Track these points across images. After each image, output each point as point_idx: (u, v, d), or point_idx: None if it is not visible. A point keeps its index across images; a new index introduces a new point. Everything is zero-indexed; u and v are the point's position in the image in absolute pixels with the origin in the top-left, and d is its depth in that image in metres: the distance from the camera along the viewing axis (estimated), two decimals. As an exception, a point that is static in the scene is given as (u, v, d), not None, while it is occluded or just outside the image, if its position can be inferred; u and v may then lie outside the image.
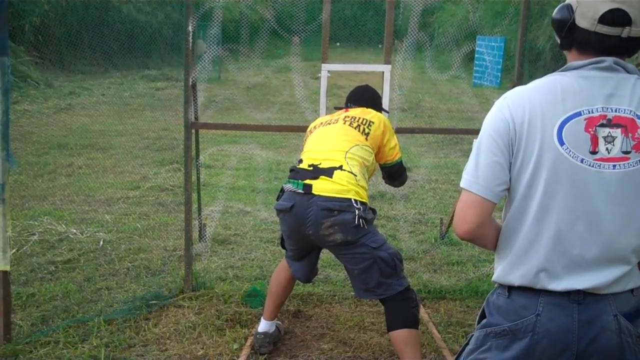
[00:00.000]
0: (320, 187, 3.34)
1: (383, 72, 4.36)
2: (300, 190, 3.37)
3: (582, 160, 1.84)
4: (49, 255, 5.28)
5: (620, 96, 1.85)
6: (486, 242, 2.04)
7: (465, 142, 10.22)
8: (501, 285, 2.02)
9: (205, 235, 5.14)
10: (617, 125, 1.84)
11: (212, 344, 3.89)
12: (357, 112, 3.76)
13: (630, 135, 1.83)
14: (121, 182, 7.93)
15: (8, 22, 3.71)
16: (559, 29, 1.96)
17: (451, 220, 5.44)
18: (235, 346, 3.86)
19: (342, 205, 3.29)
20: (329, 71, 4.36)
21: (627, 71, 1.88)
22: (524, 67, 4.52)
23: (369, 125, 3.63)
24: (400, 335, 3.34)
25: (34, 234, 5.76)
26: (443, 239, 5.85)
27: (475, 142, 1.97)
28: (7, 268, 3.77)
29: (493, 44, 21.03)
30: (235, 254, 5.50)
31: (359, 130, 3.60)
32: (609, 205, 1.85)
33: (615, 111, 1.85)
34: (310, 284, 4.68)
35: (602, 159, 1.84)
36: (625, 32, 1.84)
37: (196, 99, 4.46)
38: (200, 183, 4.94)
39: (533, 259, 1.91)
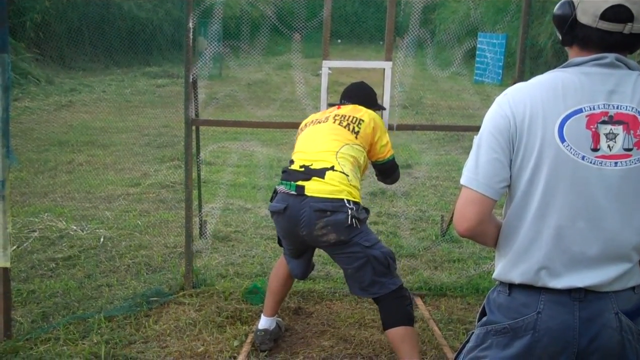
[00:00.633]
0: (313, 188, 3.34)
1: (384, 69, 4.35)
2: (293, 192, 3.37)
3: (583, 158, 1.83)
4: (50, 252, 5.28)
5: (622, 93, 1.85)
6: (486, 240, 2.03)
7: (467, 139, 10.21)
8: (502, 283, 2.02)
9: (205, 232, 5.14)
10: (618, 122, 1.83)
11: (213, 340, 3.89)
12: (348, 109, 3.75)
13: (632, 132, 1.82)
14: (122, 179, 7.93)
15: (9, 18, 3.71)
16: (561, 25, 1.95)
17: (452, 217, 5.43)
18: (236, 343, 3.86)
19: (334, 205, 3.29)
20: (330, 68, 4.35)
21: (629, 67, 1.88)
22: (525, 64, 4.51)
23: (359, 123, 3.62)
24: (397, 332, 3.35)
25: (34, 231, 5.76)
26: (444, 236, 5.85)
27: (476, 139, 1.97)
28: (8, 265, 3.77)
29: (494, 40, 21.01)
30: (235, 251, 5.50)
31: (348, 129, 3.59)
32: (610, 202, 1.84)
33: (617, 108, 1.84)
34: (311, 281, 4.69)
35: (603, 156, 1.83)
36: (627, 28, 1.83)
37: (197, 95, 4.45)
38: (200, 180, 4.93)
39: (534, 257, 1.91)
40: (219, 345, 3.83)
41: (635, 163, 1.82)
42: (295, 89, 5.15)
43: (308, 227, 3.32)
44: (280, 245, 3.82)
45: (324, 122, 3.69)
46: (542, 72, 1.97)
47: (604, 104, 1.84)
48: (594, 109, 1.84)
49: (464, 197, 1.96)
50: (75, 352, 3.69)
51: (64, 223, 5.99)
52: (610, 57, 1.86)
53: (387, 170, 3.90)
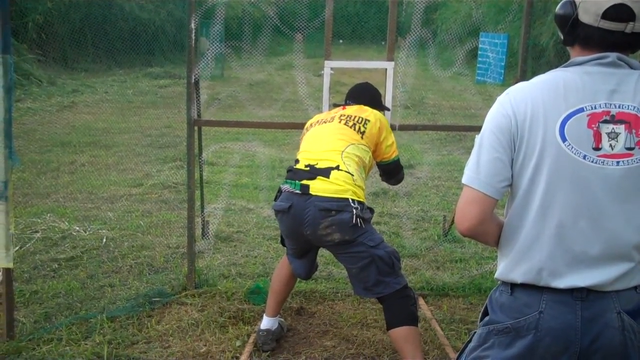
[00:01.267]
0: (318, 187, 3.34)
1: (386, 69, 4.35)
2: (298, 191, 3.37)
3: (584, 157, 1.83)
4: (52, 253, 5.29)
5: (624, 92, 1.85)
6: (488, 239, 2.03)
7: (469, 139, 10.20)
8: (504, 283, 2.02)
9: (208, 233, 5.14)
10: (620, 122, 1.83)
11: (215, 341, 3.89)
12: (354, 110, 3.75)
13: (634, 131, 1.82)
14: (124, 180, 7.93)
15: (11, 19, 3.71)
16: (562, 24, 1.95)
17: (454, 217, 5.43)
18: (238, 343, 3.86)
19: (339, 205, 3.29)
20: (331, 68, 4.35)
21: (631, 67, 1.88)
22: (527, 63, 4.50)
23: (365, 123, 3.63)
24: (401, 332, 3.34)
25: (37, 232, 5.77)
26: (446, 236, 5.84)
27: (477, 138, 1.97)
28: (10, 265, 3.77)
29: (496, 40, 21.00)
30: (238, 251, 5.50)
31: (354, 129, 3.59)
32: (611, 201, 1.84)
33: (619, 107, 1.84)
34: (313, 281, 4.69)
35: (605, 155, 1.83)
36: (628, 27, 1.83)
37: (199, 96, 4.46)
38: (203, 180, 4.93)
39: (536, 256, 1.91)
40: (222, 346, 3.83)
41: (637, 162, 1.82)
42: (297, 89, 5.15)
43: (312, 227, 3.32)
44: (283, 245, 3.82)
45: (329, 122, 3.69)
46: (544, 72, 1.97)
47: (605, 104, 1.84)
48: (595, 108, 1.84)
49: (465, 196, 1.96)
50: (77, 353, 3.70)
51: (67, 224, 5.99)
52: (612, 56, 1.86)
53: (391, 171, 3.90)
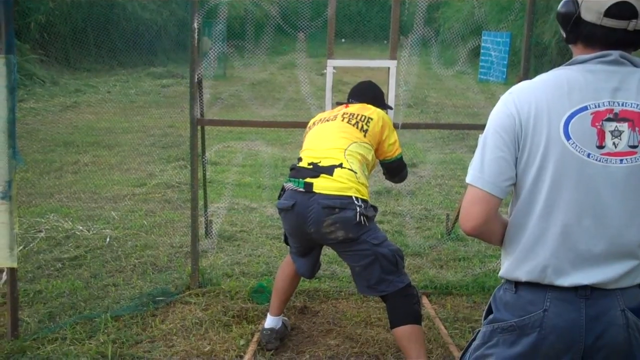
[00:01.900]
0: (321, 185, 3.34)
1: (389, 68, 4.35)
2: (301, 189, 3.37)
3: (588, 155, 1.83)
4: (56, 252, 5.30)
5: (627, 90, 1.84)
6: (492, 238, 2.04)
7: (471, 138, 10.20)
8: (508, 281, 2.02)
9: (211, 232, 5.15)
10: (624, 120, 1.83)
11: (219, 340, 3.90)
12: (356, 108, 3.75)
13: (637, 129, 1.82)
14: (127, 179, 7.94)
15: (14, 20, 3.72)
16: (564, 22, 1.95)
17: (457, 216, 5.43)
18: (242, 342, 3.86)
19: (343, 202, 3.29)
20: (334, 67, 4.35)
21: (634, 64, 1.87)
22: (529, 62, 4.50)
23: (368, 121, 3.63)
24: (404, 331, 3.34)
25: (40, 231, 5.77)
26: (449, 234, 5.85)
27: (481, 137, 1.97)
28: (14, 265, 3.78)
29: (499, 39, 20.97)
30: (241, 250, 5.51)
31: (357, 127, 3.59)
32: (615, 199, 1.84)
33: (622, 105, 1.84)
34: (317, 280, 4.69)
35: (609, 154, 1.83)
36: (631, 25, 1.82)
37: (202, 95, 4.46)
38: (206, 180, 4.94)
39: (540, 255, 1.91)
40: (225, 345, 3.83)
41: (641, 160, 1.82)
42: (300, 88, 5.16)
43: (316, 224, 3.32)
44: (287, 243, 3.82)
45: (332, 120, 3.69)
46: (546, 71, 1.97)
47: (608, 102, 1.84)
48: (598, 106, 1.84)
49: (469, 195, 1.96)
50: (82, 352, 3.70)
51: (70, 223, 6.00)
52: (615, 54, 1.86)
53: (395, 169, 3.90)
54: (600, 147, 1.83)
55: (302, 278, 3.97)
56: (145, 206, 6.80)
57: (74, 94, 15.22)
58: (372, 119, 3.65)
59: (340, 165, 3.40)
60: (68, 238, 5.67)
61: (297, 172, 3.49)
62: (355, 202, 3.31)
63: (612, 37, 1.87)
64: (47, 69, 16.97)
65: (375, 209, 3.52)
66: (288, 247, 3.85)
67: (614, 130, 1.83)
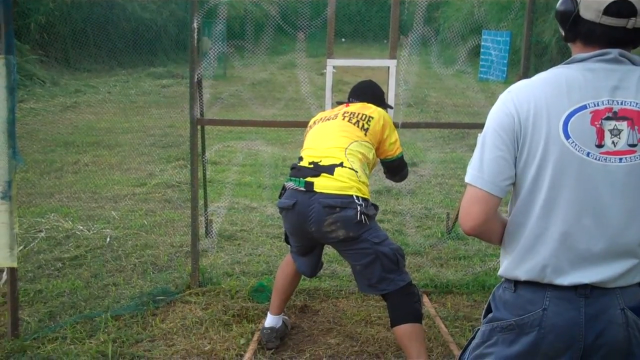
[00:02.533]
0: (322, 184, 3.34)
1: (388, 67, 4.36)
2: (302, 188, 3.37)
3: (588, 154, 1.83)
4: (56, 252, 5.30)
5: (626, 88, 1.84)
6: (492, 237, 2.04)
7: (472, 137, 10.19)
8: (507, 280, 2.02)
9: (211, 231, 5.15)
10: (623, 118, 1.83)
11: (219, 339, 3.90)
12: (357, 107, 3.75)
13: (636, 128, 1.82)
14: (127, 179, 7.95)
15: (13, 20, 3.72)
16: (563, 21, 1.95)
17: (457, 215, 5.43)
18: (242, 341, 3.87)
19: (343, 201, 3.30)
20: (334, 67, 4.35)
21: (633, 63, 1.87)
22: (529, 61, 4.51)
23: (368, 120, 3.63)
24: (405, 330, 3.34)
25: (40, 231, 5.78)
26: (450, 233, 5.85)
27: (480, 137, 1.97)
28: (15, 265, 3.79)
29: (499, 38, 20.96)
30: (241, 249, 5.51)
31: (357, 126, 3.59)
32: (615, 198, 1.84)
33: (621, 104, 1.83)
34: (317, 278, 4.69)
35: (608, 152, 1.83)
36: (630, 23, 1.82)
37: (202, 95, 4.46)
38: (206, 179, 4.94)
39: (539, 254, 1.91)
40: (226, 344, 3.84)
41: (640, 159, 1.82)
42: (300, 88, 5.16)
43: (317, 223, 3.32)
44: (287, 243, 3.83)
45: (333, 119, 3.69)
46: (546, 70, 1.97)
47: (608, 100, 1.84)
48: (598, 105, 1.84)
49: (469, 195, 1.96)
50: (82, 351, 3.71)
51: (70, 223, 6.01)
52: (614, 52, 1.86)
53: (395, 168, 3.91)
54: (600, 146, 1.83)
55: (302, 277, 3.98)
56: (145, 206, 6.81)
57: (74, 94, 15.22)
58: (372, 117, 3.65)
59: (341, 164, 3.40)
60: (68, 238, 5.67)
61: (297, 171, 3.49)
62: (356, 201, 3.31)
63: (611, 36, 1.86)
64: (47, 70, 16.96)
65: (376, 207, 3.52)
66: (288, 246, 3.85)
67: (613, 129, 1.83)
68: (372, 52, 21.53)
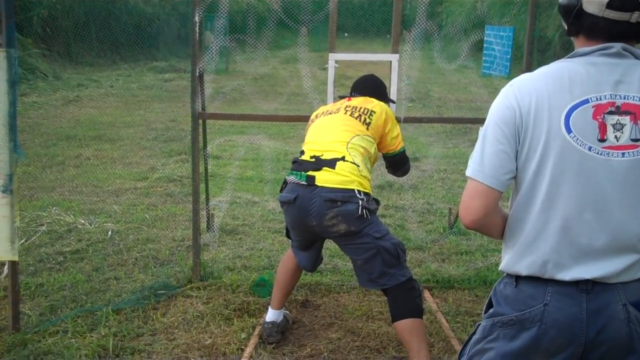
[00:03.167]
0: (323, 178, 3.33)
1: (391, 62, 4.34)
2: (303, 182, 3.37)
3: (589, 149, 1.82)
4: (58, 246, 5.31)
5: (629, 83, 1.83)
6: (492, 231, 2.03)
7: (474, 132, 10.17)
8: (508, 275, 2.01)
9: (213, 226, 5.15)
10: (626, 113, 1.81)
11: (220, 333, 3.90)
12: (359, 101, 3.74)
13: (639, 122, 1.81)
14: (129, 173, 7.95)
15: (15, 14, 3.71)
16: (566, 14, 1.93)
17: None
18: (243, 335, 3.87)
19: (345, 196, 3.29)
20: (336, 61, 4.34)
21: (636, 57, 1.86)
22: (532, 56, 4.49)
23: (370, 114, 3.62)
24: (406, 325, 3.34)
25: (42, 225, 5.78)
26: (451, 228, 5.84)
27: (481, 130, 1.96)
28: (16, 258, 3.79)
29: (502, 33, 20.93)
30: (243, 244, 5.51)
31: (359, 120, 3.58)
32: (617, 193, 1.83)
33: (624, 98, 1.82)
34: (318, 273, 4.69)
35: (610, 147, 1.82)
36: (634, 17, 1.81)
37: (203, 89, 4.46)
38: (207, 173, 4.94)
39: (540, 249, 1.90)
40: (227, 338, 3.84)
41: (643, 154, 1.81)
42: (302, 82, 5.15)
43: (318, 218, 3.31)
44: (288, 237, 3.82)
45: (335, 113, 3.69)
46: (549, 64, 1.96)
47: (610, 94, 1.82)
48: (600, 99, 1.82)
49: (469, 189, 1.95)
50: (83, 345, 3.71)
51: (72, 217, 6.01)
52: (617, 46, 1.84)
53: (397, 163, 3.90)
54: (602, 140, 1.82)
55: (303, 272, 3.97)
56: (147, 200, 6.81)
57: (77, 88, 15.23)
58: (374, 112, 3.64)
59: (343, 159, 3.39)
60: (70, 231, 5.67)
61: (299, 165, 3.48)
62: (358, 195, 3.30)
63: (614, 30, 1.85)
64: (50, 63, 16.96)
65: (377, 202, 3.51)
66: (289, 240, 3.85)
67: (616, 123, 1.81)
68: (375, 47, 21.48)
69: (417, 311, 3.37)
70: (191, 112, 4.42)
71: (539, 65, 1.99)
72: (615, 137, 1.81)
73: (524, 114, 1.86)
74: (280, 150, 9.17)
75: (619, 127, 1.81)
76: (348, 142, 3.47)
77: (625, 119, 1.81)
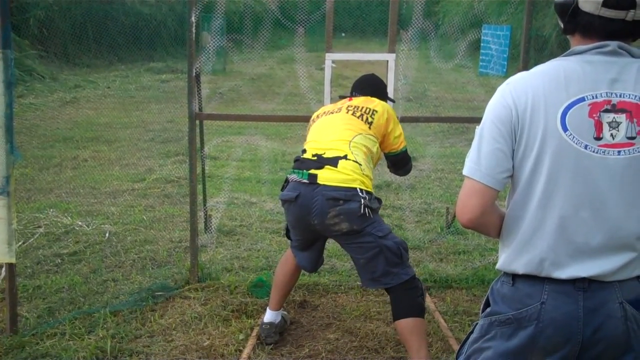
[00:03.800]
0: (326, 176, 3.33)
1: (387, 61, 4.34)
2: (305, 180, 3.36)
3: (586, 147, 1.82)
4: (55, 248, 5.30)
5: (625, 81, 1.83)
6: (489, 230, 2.02)
7: (471, 131, 10.09)
8: (505, 274, 2.01)
9: (210, 227, 5.15)
10: (621, 111, 1.82)
11: (218, 334, 3.90)
12: (361, 101, 3.74)
13: (635, 120, 1.81)
14: (126, 175, 7.94)
15: (12, 15, 3.71)
16: (562, 13, 1.93)
17: (457, 209, 5.43)
18: (241, 336, 3.86)
19: (347, 194, 3.28)
20: (333, 61, 4.34)
21: (632, 55, 1.86)
22: (529, 55, 4.49)
23: (373, 114, 3.61)
24: (407, 324, 3.33)
25: (39, 227, 5.77)
26: (449, 228, 5.84)
27: (478, 129, 1.96)
28: (13, 260, 3.78)
29: (499, 32, 20.92)
30: (240, 244, 5.51)
31: (362, 119, 3.58)
32: (613, 191, 1.83)
33: (620, 96, 1.82)
34: (316, 274, 4.68)
35: (606, 145, 1.82)
36: (629, 15, 1.81)
37: (200, 90, 4.45)
38: (205, 174, 4.93)
39: (537, 247, 1.90)
40: (225, 339, 3.83)
41: (639, 152, 1.81)
42: (299, 83, 5.14)
43: (320, 216, 3.31)
44: (288, 237, 3.82)
45: (337, 112, 3.69)
46: (546, 63, 1.96)
47: (606, 93, 1.82)
48: (596, 97, 1.82)
49: (466, 188, 1.95)
50: (81, 347, 3.70)
51: (69, 219, 6.00)
52: (613, 45, 1.84)
53: (400, 162, 3.90)
54: (598, 138, 1.82)
55: (301, 272, 3.97)
56: (144, 201, 6.80)
57: (74, 89, 15.20)
58: (376, 111, 3.64)
59: (345, 157, 3.39)
60: (67, 233, 5.67)
61: (301, 163, 3.48)
62: (360, 194, 3.30)
63: (610, 28, 1.85)
64: (47, 65, 16.94)
65: (379, 201, 3.51)
66: (288, 241, 3.84)
67: (612, 121, 1.81)
68: (372, 47, 21.46)
69: (419, 310, 3.37)
70: (188, 113, 4.41)
71: (536, 64, 1.99)
72: (611, 135, 1.81)
73: (520, 113, 1.86)
74: (278, 150, 9.16)
75: (614, 125, 1.81)
76: (350, 141, 3.47)
77: (621, 117, 1.81)
